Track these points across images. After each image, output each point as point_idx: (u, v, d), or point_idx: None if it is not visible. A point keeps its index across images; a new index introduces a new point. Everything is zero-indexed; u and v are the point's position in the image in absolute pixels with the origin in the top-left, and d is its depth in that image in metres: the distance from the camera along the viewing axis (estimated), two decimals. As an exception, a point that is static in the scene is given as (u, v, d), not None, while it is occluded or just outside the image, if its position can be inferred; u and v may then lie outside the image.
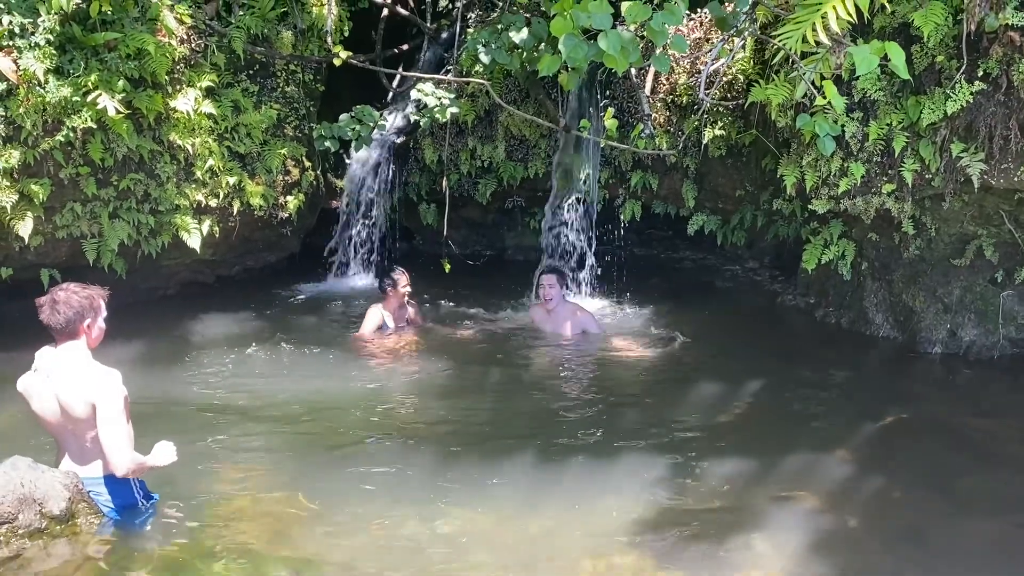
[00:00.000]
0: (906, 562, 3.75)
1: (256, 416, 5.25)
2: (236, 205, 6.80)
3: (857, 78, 5.30)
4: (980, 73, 4.96)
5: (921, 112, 5.18)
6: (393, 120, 8.17)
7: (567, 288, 7.23)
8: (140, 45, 5.91)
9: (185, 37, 6.43)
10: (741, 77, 6.70)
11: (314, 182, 7.49)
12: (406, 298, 6.69)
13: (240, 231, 7.00)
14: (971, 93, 4.96)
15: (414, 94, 6.22)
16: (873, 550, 3.84)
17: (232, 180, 6.71)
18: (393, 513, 4.18)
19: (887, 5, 4.92)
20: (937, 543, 3.86)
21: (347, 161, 8.19)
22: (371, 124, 6.16)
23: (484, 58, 5.93)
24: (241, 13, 6.84)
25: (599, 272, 7.87)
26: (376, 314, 6.61)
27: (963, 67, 4.98)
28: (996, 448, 4.81)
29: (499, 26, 6.01)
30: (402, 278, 6.58)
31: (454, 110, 6.21)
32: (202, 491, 4.33)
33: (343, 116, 6.24)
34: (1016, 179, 5.15)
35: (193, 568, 3.66)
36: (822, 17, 4.52)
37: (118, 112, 5.76)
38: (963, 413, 5.30)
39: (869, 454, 4.73)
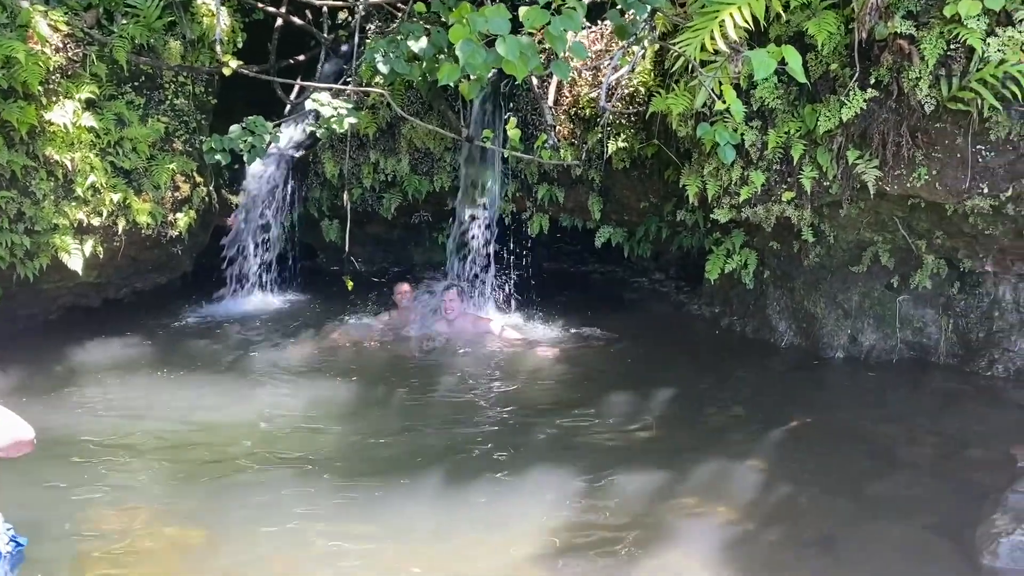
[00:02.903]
0: (817, 570, 3.72)
1: (143, 448, 4.92)
2: (121, 223, 6.41)
3: (755, 86, 5.34)
4: (872, 81, 5.05)
5: (817, 120, 5.25)
6: (291, 133, 7.90)
7: (467, 301, 7.27)
8: (8, 53, 5.50)
9: (61, 45, 6.04)
10: (642, 89, 6.71)
11: (206, 198, 7.14)
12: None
13: (126, 251, 6.60)
14: (864, 100, 5.05)
15: (310, 104, 5.99)
16: (786, 559, 3.81)
17: (116, 197, 6.33)
18: (292, 543, 3.96)
19: (782, 14, 4.97)
20: (848, 549, 3.84)
21: (242, 177, 7.87)
22: (264, 136, 5.88)
23: (383, 68, 5.75)
24: (124, 22, 6.49)
25: (508, 287, 7.76)
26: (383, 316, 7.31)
27: (856, 75, 5.07)
28: (899, 451, 4.87)
29: (398, 36, 5.85)
30: (398, 287, 7.31)
31: (352, 120, 6.00)
32: (81, 530, 4.01)
33: (234, 127, 5.95)
34: (908, 185, 5.26)
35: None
36: (720, 24, 4.54)
37: (-16, 124, 5.35)
38: (866, 417, 5.36)
39: (778, 461, 4.73)
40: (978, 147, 5.03)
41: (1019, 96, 4.68)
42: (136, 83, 6.64)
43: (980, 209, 5.20)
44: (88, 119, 6.11)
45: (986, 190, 5.09)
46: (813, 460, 4.77)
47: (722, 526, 4.08)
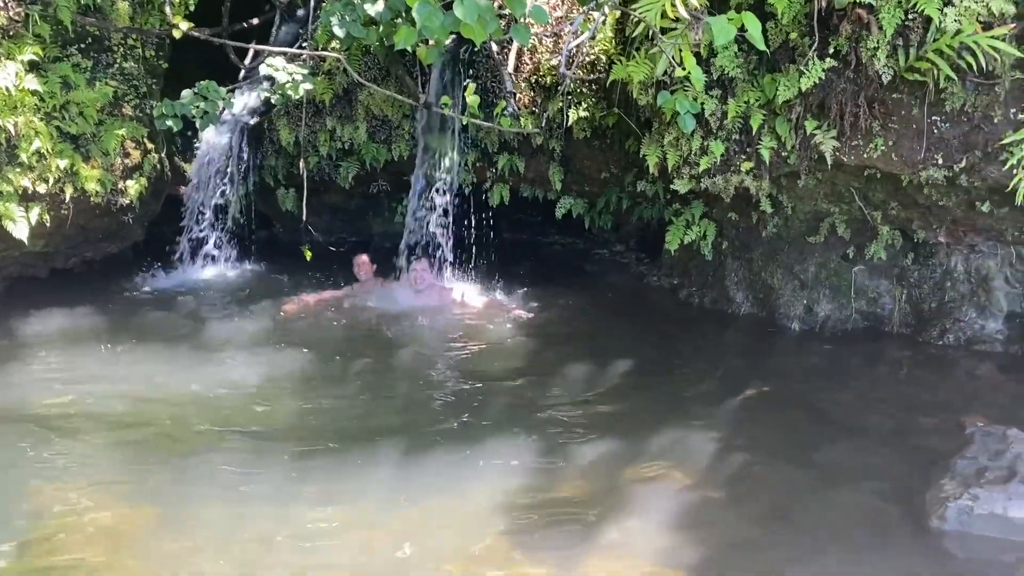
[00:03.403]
0: (772, 537, 3.76)
1: (92, 422, 4.79)
2: (69, 191, 6.21)
3: (715, 55, 5.31)
4: (831, 50, 5.04)
5: (777, 89, 5.24)
6: (246, 100, 7.72)
7: (436, 273, 7.22)
8: (-55, 11, 5.28)
9: (1, 4, 5.80)
10: (604, 57, 6.65)
11: (158, 166, 6.96)
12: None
13: (75, 219, 6.40)
14: (823, 70, 5.04)
15: (264, 69, 5.83)
16: (740, 526, 3.84)
17: (63, 163, 6.12)
18: (246, 516, 3.91)
19: (742, -18, 4.94)
20: (801, 516, 3.89)
21: (195, 144, 7.67)
22: (217, 102, 5.72)
23: (339, 32, 5.59)
24: (69, -20, 6.24)
25: (469, 257, 7.70)
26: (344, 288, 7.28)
27: (815, 44, 5.06)
28: (852, 418, 4.93)
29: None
30: (357, 260, 7.27)
31: (307, 86, 5.85)
32: (25, 505, 3.92)
33: (186, 92, 5.78)
34: (865, 156, 5.29)
35: (12, 593, 3.27)
36: (680, -10, 4.49)
37: (-80, 86, 5.13)
38: (821, 386, 5.43)
39: (733, 430, 4.76)
40: (933, 118, 5.06)
41: (974, 67, 4.71)
42: (82, 45, 6.41)
43: (934, 180, 5.25)
44: (32, 82, 5.89)
45: (940, 161, 5.14)
46: (768, 428, 4.82)
47: (678, 493, 4.10)
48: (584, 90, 6.85)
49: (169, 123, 5.91)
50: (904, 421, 4.87)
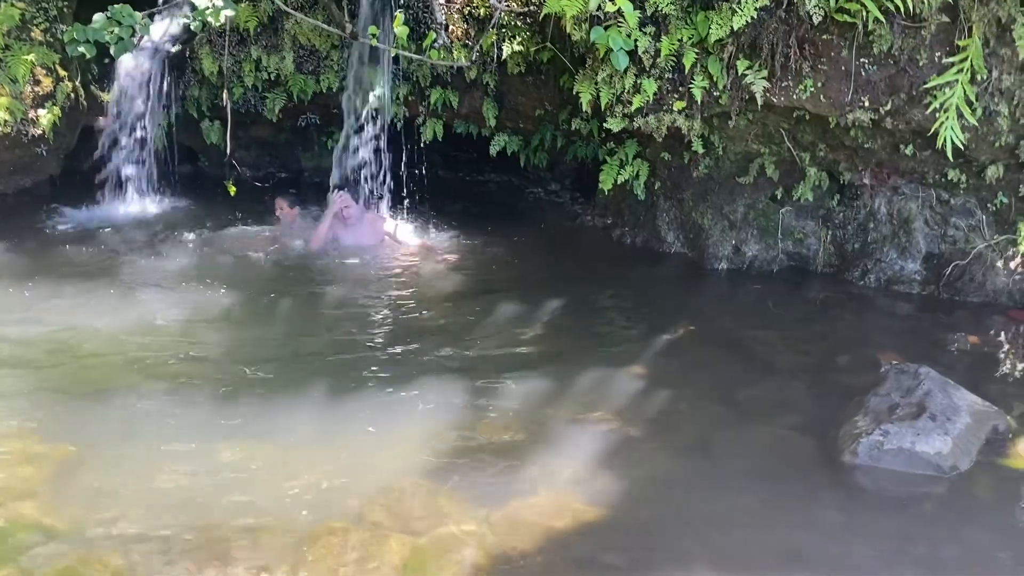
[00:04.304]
0: (691, 471, 3.85)
1: (7, 360, 4.62)
2: (-26, 119, 5.91)
3: (649, -10, 5.24)
4: (764, -12, 5.03)
5: (710, 28, 5.20)
6: (167, 26, 7.36)
7: (361, 202, 7.11)
8: None
9: None
10: (539, -10, 6.51)
11: (72, 95, 6.63)
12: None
13: (-18, 150, 6.12)
14: (755, 9, 5.02)
15: (181, -7, 5.55)
16: (661, 460, 3.92)
17: (-33, 90, 5.81)
18: (167, 454, 3.83)
19: (677, -85, 4.84)
20: (719, 451, 3.98)
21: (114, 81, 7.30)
22: (132, 27, 5.42)
23: (261, -44, 5.36)
24: None
25: (401, 194, 7.58)
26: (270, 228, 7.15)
27: (748, -18, 5.03)
28: (773, 356, 5.04)
29: (278, -79, 5.45)
30: (280, 205, 7.13)
31: (229, 13, 5.56)
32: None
33: (98, 16, 5.46)
34: (794, 97, 5.32)
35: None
36: (613, -78, 4.38)
37: None
38: (745, 324, 5.53)
39: (659, 368, 4.83)
40: (861, 60, 5.10)
41: (901, 9, 4.74)
42: (-16, -38, 6.03)
43: (861, 122, 5.31)
44: (-71, 1, 5.54)
45: (867, 103, 5.20)
46: (693, 366, 4.90)
47: (603, 430, 4.15)
48: (518, 23, 6.71)
49: (81, 49, 5.58)
50: (823, 359, 5.01)
